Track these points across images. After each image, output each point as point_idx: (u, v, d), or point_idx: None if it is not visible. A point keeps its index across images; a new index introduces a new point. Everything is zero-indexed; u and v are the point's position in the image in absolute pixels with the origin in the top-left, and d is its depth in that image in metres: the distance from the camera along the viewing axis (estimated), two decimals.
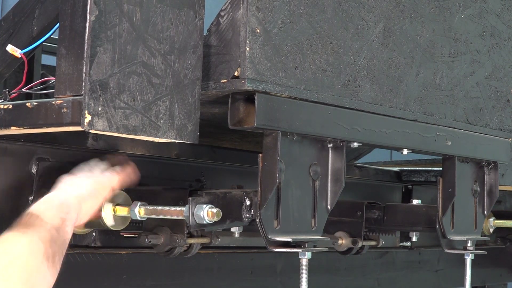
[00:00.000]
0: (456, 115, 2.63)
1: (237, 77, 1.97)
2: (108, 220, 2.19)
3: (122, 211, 2.20)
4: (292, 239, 2.13)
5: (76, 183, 2.08)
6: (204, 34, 2.01)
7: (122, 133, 1.81)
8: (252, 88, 1.97)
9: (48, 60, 4.06)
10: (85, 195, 2.06)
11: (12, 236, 1.81)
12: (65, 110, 1.78)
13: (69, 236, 1.94)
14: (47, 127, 1.85)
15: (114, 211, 2.19)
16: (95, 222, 2.20)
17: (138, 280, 2.69)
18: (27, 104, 1.87)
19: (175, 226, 2.38)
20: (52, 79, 2.14)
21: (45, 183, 2.23)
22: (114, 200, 2.20)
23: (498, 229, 3.69)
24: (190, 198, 2.08)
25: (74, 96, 1.77)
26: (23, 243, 1.80)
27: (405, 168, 3.71)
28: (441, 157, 2.72)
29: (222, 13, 2.00)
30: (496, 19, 2.81)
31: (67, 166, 2.27)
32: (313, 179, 2.21)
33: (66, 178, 2.10)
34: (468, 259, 2.82)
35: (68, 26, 1.80)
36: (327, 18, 2.16)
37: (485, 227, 3.56)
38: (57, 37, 1.85)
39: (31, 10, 2.39)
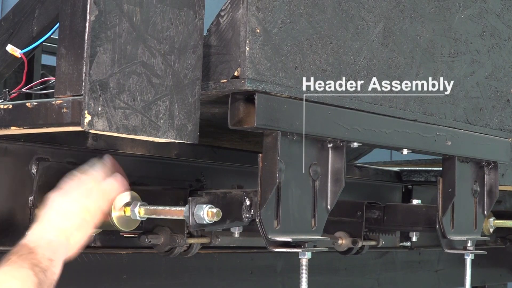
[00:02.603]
0: (456, 115, 2.63)
1: (237, 77, 1.97)
2: (118, 221, 2.18)
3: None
4: (292, 239, 2.13)
5: (64, 211, 2.00)
6: (204, 34, 2.01)
7: (122, 133, 1.81)
8: (252, 88, 1.97)
9: (48, 60, 4.06)
10: (73, 229, 2.00)
11: (4, 276, 1.80)
12: (65, 110, 1.78)
13: (56, 276, 1.90)
14: (47, 127, 1.85)
15: (124, 212, 2.18)
16: (105, 223, 2.19)
17: (138, 280, 2.69)
18: (27, 104, 1.87)
19: (175, 226, 2.38)
20: (52, 79, 2.14)
21: (45, 183, 2.23)
22: (123, 201, 2.19)
23: (498, 229, 3.69)
24: (190, 198, 2.08)
25: (74, 96, 1.77)
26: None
27: (405, 168, 3.71)
28: (441, 157, 2.72)
29: (222, 13, 2.00)
30: (496, 19, 2.81)
31: (67, 167, 2.27)
32: (313, 179, 2.21)
33: (54, 201, 2.02)
34: (468, 259, 2.82)
35: (68, 26, 1.80)
36: (327, 18, 2.16)
37: (485, 227, 3.56)
38: (57, 37, 1.85)
39: (31, 10, 2.39)
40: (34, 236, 1.94)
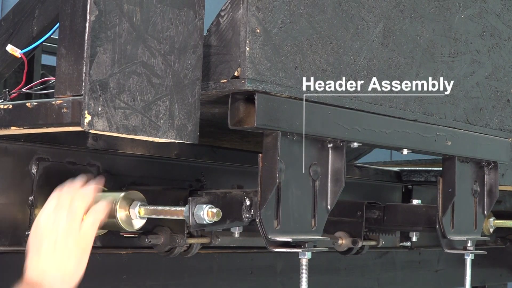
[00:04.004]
0: (456, 115, 2.63)
1: (237, 77, 1.97)
2: (123, 222, 2.17)
3: None
4: (292, 239, 2.13)
5: (42, 269, 1.94)
6: (204, 34, 2.01)
7: (122, 133, 1.81)
8: (252, 88, 1.97)
9: (48, 60, 4.06)
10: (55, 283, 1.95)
11: None
12: (65, 110, 1.78)
13: None
14: (47, 127, 1.85)
15: (128, 212, 2.18)
16: (110, 224, 2.19)
17: (138, 280, 2.69)
18: (27, 104, 1.87)
19: (175, 226, 2.38)
20: (52, 79, 2.14)
21: (45, 183, 2.23)
22: (128, 201, 2.19)
23: (498, 229, 3.69)
24: (190, 198, 2.08)
25: (74, 96, 1.77)
26: None
27: (405, 168, 3.71)
28: (441, 157, 2.72)
29: (222, 13, 2.00)
30: (496, 19, 2.81)
31: (67, 167, 2.28)
32: (313, 179, 2.21)
33: (34, 255, 1.94)
34: (468, 259, 2.82)
35: (68, 26, 1.80)
36: (327, 18, 2.16)
37: (485, 227, 3.56)
38: (57, 37, 1.85)
39: (31, 10, 2.39)
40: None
